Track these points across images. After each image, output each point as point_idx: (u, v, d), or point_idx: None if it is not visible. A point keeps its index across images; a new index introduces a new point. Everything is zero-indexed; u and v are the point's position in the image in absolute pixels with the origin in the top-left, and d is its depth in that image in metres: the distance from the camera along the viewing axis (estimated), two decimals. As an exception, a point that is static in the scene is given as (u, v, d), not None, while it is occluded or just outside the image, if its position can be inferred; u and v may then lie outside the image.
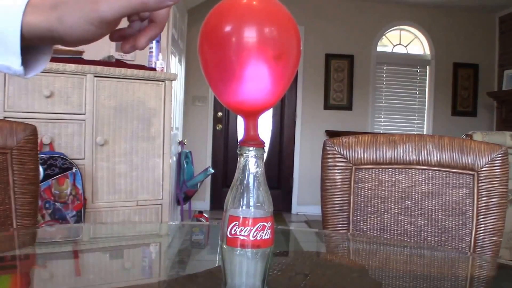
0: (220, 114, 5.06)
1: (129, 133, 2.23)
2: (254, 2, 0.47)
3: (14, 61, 0.45)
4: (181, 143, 3.92)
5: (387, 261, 0.85)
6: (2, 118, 1.95)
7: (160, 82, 2.30)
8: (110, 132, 2.19)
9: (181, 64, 4.31)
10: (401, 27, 5.43)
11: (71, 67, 2.08)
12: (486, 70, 5.51)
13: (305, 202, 5.16)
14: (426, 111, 5.45)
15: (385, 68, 5.40)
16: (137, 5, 0.43)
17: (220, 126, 5.08)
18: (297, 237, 1.08)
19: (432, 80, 5.43)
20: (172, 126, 2.62)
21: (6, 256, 0.77)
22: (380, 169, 1.07)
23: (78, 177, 2.05)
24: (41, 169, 1.94)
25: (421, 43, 5.48)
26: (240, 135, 0.51)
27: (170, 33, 3.03)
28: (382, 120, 5.42)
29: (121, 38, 0.50)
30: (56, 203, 1.99)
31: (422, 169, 1.06)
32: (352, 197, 1.06)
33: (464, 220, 1.03)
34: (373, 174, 1.07)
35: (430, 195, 1.05)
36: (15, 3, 0.44)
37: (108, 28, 0.45)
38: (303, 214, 5.12)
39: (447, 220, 1.04)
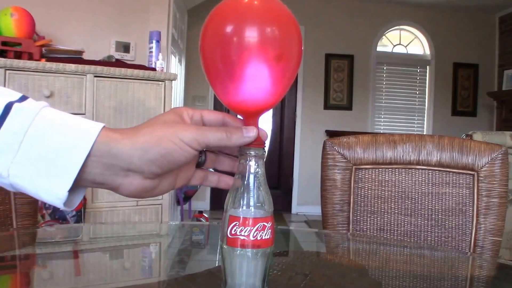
0: (220, 114, 5.06)
1: (129, 133, 2.23)
2: (255, 2, 0.47)
3: (60, 185, 0.39)
4: (181, 143, 3.92)
5: (387, 261, 0.85)
6: (2, 118, 1.95)
7: (160, 82, 2.30)
8: (110, 132, 2.19)
9: (181, 64, 4.31)
10: (401, 27, 5.43)
11: (71, 67, 2.08)
12: (486, 70, 5.51)
13: (305, 202, 5.16)
14: (426, 111, 5.45)
15: (385, 68, 5.40)
16: (221, 140, 0.44)
17: (220, 126, 5.08)
18: (297, 237, 1.08)
19: (432, 80, 5.43)
20: (172, 126, 2.62)
21: (6, 256, 0.77)
22: (380, 169, 1.07)
23: (78, 177, 2.05)
24: (41, 169, 1.94)
25: (421, 43, 5.48)
26: (240, 135, 0.50)
27: (170, 33, 3.03)
28: (382, 120, 5.42)
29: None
30: (56, 203, 1.99)
31: (422, 169, 1.06)
32: (352, 197, 1.06)
33: (464, 220, 1.03)
34: (373, 174, 1.07)
35: (430, 195, 1.05)
36: (90, 126, 0.41)
37: (192, 156, 0.44)
38: (303, 214, 5.12)
39: (447, 220, 1.04)
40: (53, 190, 0.39)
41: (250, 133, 0.45)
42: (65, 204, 0.40)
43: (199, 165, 0.50)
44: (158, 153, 0.41)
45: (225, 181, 0.51)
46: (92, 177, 0.41)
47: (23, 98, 0.41)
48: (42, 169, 0.39)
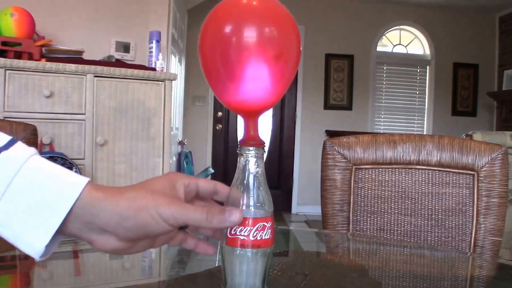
0: (220, 114, 5.06)
1: (129, 133, 2.23)
2: (254, 2, 0.47)
3: (39, 239, 0.39)
4: (181, 143, 3.92)
5: (387, 261, 0.85)
6: (2, 118, 1.95)
7: (160, 82, 2.30)
8: (110, 132, 2.19)
9: (181, 64, 4.31)
10: (401, 27, 5.43)
11: (71, 67, 2.08)
12: (486, 70, 5.50)
13: (305, 202, 5.16)
14: (426, 111, 5.45)
15: (385, 68, 5.40)
16: (200, 220, 0.42)
17: (220, 126, 5.08)
18: (297, 237, 1.08)
19: (432, 80, 5.43)
20: (172, 126, 2.62)
21: (6, 256, 0.77)
22: (380, 169, 1.07)
23: (78, 177, 2.05)
24: (41, 169, 1.93)
25: (421, 43, 5.48)
26: (240, 135, 0.51)
27: (170, 33, 3.03)
28: (382, 120, 5.42)
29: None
30: (56, 203, 1.99)
31: (422, 169, 1.06)
32: (352, 197, 1.06)
33: (464, 220, 1.03)
34: (373, 174, 1.07)
35: (430, 195, 1.05)
36: (77, 180, 0.41)
37: (169, 229, 0.43)
38: (303, 214, 5.12)
39: (447, 220, 1.04)
40: (31, 243, 0.39)
41: (232, 218, 0.44)
42: (41, 255, 0.40)
43: (182, 227, 0.49)
44: (135, 223, 0.41)
45: (202, 247, 0.50)
46: (70, 230, 0.41)
47: (11, 142, 0.41)
48: (23, 221, 0.39)
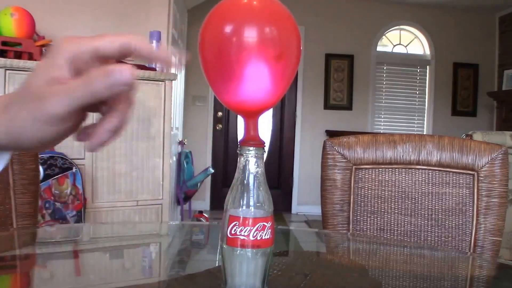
0: (220, 114, 5.06)
1: (129, 133, 2.23)
2: (254, 2, 0.47)
3: None
4: (181, 143, 3.92)
5: (387, 261, 0.85)
6: (2, 118, 1.95)
7: (160, 82, 2.30)
8: (110, 132, 2.19)
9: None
10: (401, 27, 5.43)
11: (71, 67, 2.08)
12: (486, 70, 5.51)
13: (305, 202, 5.16)
14: (426, 111, 5.45)
15: (385, 68, 5.40)
16: (85, 95, 0.37)
17: (220, 126, 5.08)
18: (297, 237, 1.08)
19: (432, 80, 5.43)
20: (172, 126, 2.62)
21: (6, 256, 0.77)
22: (380, 169, 1.07)
23: (78, 177, 2.05)
24: (41, 169, 1.94)
25: (421, 43, 5.48)
26: (240, 135, 0.51)
27: (170, 33, 3.03)
28: (382, 120, 5.42)
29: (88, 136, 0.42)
30: (56, 203, 1.99)
31: (422, 169, 1.06)
32: (352, 197, 1.06)
33: (464, 220, 1.03)
34: (373, 174, 1.07)
35: (430, 195, 1.05)
36: None
37: (64, 124, 0.39)
38: (303, 214, 5.12)
39: (447, 220, 1.04)
40: None
41: (117, 75, 0.38)
42: None
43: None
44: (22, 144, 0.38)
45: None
46: None
47: None
48: None
